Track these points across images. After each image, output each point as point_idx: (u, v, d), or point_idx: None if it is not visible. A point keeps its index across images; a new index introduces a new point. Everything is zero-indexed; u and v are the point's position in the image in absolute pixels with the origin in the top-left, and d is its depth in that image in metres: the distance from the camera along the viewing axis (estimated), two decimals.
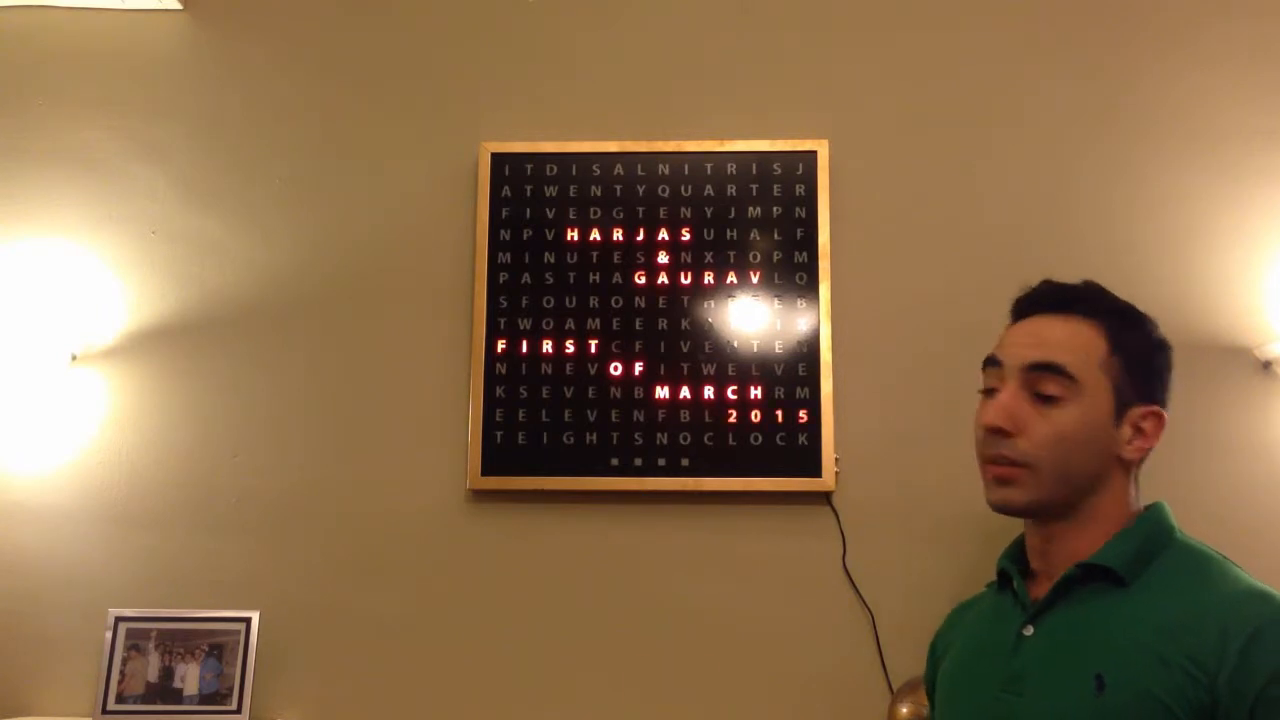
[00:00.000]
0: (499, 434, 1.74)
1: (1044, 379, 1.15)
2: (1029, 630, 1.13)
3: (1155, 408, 1.15)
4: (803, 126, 1.82)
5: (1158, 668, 1.02)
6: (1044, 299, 1.21)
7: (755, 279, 1.77)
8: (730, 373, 1.74)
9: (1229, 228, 1.76)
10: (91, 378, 1.80)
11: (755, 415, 1.72)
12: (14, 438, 1.79)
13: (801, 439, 1.71)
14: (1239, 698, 0.98)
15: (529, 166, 1.81)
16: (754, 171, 1.80)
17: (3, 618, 1.74)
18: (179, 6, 1.90)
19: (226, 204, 1.85)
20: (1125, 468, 1.16)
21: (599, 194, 1.80)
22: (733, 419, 1.72)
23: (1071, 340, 1.16)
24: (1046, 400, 1.14)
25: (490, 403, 1.74)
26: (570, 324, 1.77)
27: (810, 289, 1.76)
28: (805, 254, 1.77)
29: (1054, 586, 1.13)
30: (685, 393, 1.74)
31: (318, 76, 1.90)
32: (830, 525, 1.71)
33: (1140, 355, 1.17)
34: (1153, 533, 1.14)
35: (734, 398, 1.73)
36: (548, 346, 1.76)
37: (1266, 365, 1.70)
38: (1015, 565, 1.21)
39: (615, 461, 1.72)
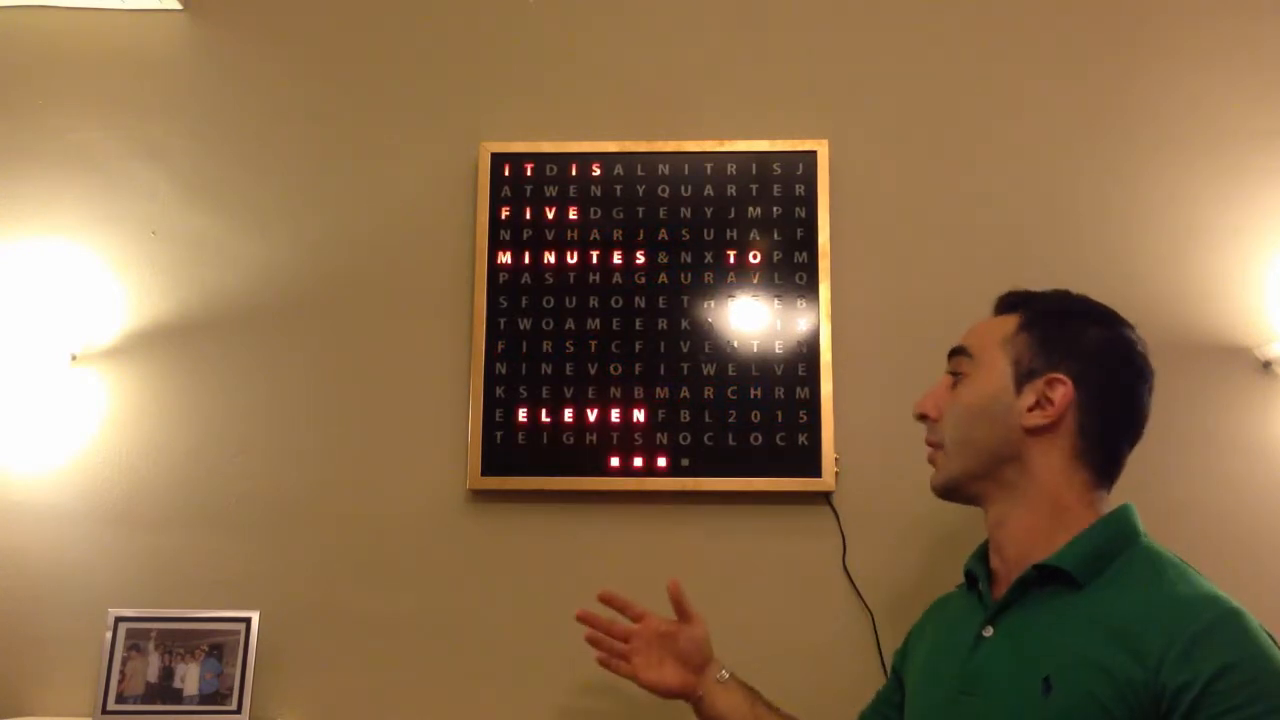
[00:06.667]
0: (499, 434, 1.74)
1: (953, 361, 1.26)
2: (989, 631, 1.15)
3: (1058, 374, 1.17)
4: (803, 126, 1.82)
5: (1101, 671, 1.02)
6: (996, 304, 1.30)
7: (755, 279, 1.77)
8: (730, 373, 1.74)
9: (1229, 228, 1.76)
10: (91, 378, 1.80)
11: (755, 415, 1.72)
12: (14, 438, 1.78)
13: (801, 439, 1.71)
14: (1181, 690, 0.98)
15: (529, 166, 1.81)
16: (754, 171, 1.80)
17: (3, 618, 1.74)
18: (179, 6, 1.90)
19: (227, 204, 1.85)
20: (1048, 444, 1.17)
21: (599, 194, 1.80)
22: (733, 419, 1.72)
23: (987, 327, 1.25)
24: (956, 380, 1.24)
25: (490, 403, 1.74)
26: (570, 324, 1.77)
27: (810, 289, 1.76)
28: (805, 254, 1.77)
29: (1011, 588, 1.14)
30: (685, 393, 1.74)
31: (318, 76, 1.90)
32: (830, 525, 1.71)
33: (1047, 326, 1.20)
34: (1114, 535, 1.14)
35: (734, 398, 1.73)
36: (548, 346, 1.76)
37: (1266, 365, 1.70)
38: (981, 566, 1.24)
39: (615, 461, 1.72)
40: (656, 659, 1.41)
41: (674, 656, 1.41)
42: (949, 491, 1.25)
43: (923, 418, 1.28)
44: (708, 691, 1.40)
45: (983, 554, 1.26)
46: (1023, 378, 1.18)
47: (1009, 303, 1.27)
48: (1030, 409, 1.17)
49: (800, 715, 1.45)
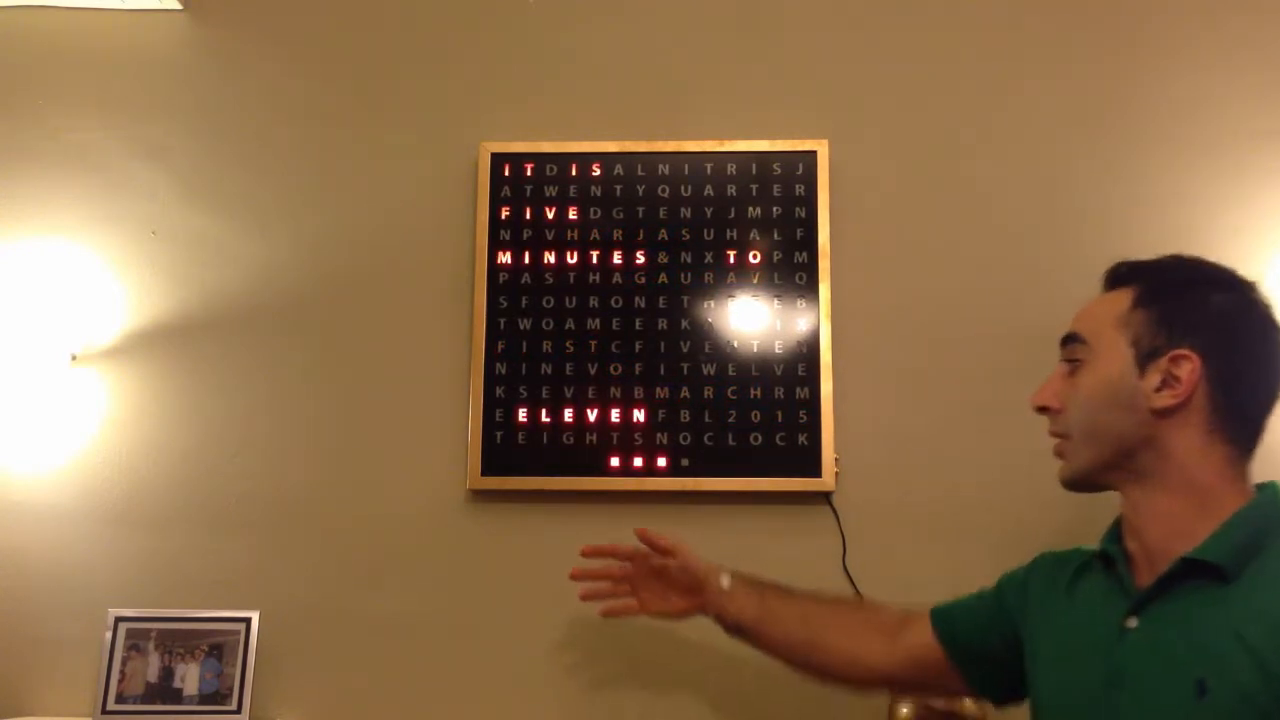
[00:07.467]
0: (499, 434, 1.74)
1: (1068, 349, 1.19)
2: (1133, 622, 1.09)
3: (1182, 350, 1.09)
4: (803, 126, 1.82)
5: (1257, 672, 0.98)
6: (1105, 278, 1.21)
7: (755, 279, 1.77)
8: (730, 373, 1.74)
9: (1228, 228, 1.75)
10: (91, 378, 1.80)
11: (755, 415, 1.72)
12: (14, 438, 1.79)
13: (801, 439, 1.71)
14: None
15: (529, 166, 1.81)
16: (754, 171, 1.80)
17: (3, 618, 1.74)
18: (179, 6, 1.90)
19: (227, 204, 1.85)
20: (1181, 423, 1.10)
21: (599, 194, 1.80)
22: (733, 419, 1.72)
23: (1098, 307, 1.18)
24: (1073, 368, 1.18)
25: (490, 403, 1.74)
26: (570, 324, 1.77)
27: (810, 289, 1.76)
28: (805, 254, 1.77)
29: (1157, 580, 1.08)
30: (685, 393, 1.74)
31: (318, 76, 1.90)
32: (830, 525, 1.71)
33: (1164, 299, 1.13)
34: (1263, 521, 1.07)
35: (734, 398, 1.73)
36: (548, 346, 1.76)
37: None
38: (1117, 547, 1.16)
39: (615, 461, 1.72)
40: (660, 591, 1.46)
41: (674, 586, 1.45)
42: (1079, 484, 1.18)
43: (1043, 410, 1.20)
44: (717, 606, 1.42)
45: (1117, 534, 1.18)
46: (1145, 357, 1.11)
47: (1119, 277, 1.19)
48: (1157, 389, 1.10)
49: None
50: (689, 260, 1.78)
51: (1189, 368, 1.09)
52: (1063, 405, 1.18)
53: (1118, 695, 1.07)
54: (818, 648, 1.38)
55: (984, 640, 1.28)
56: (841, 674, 1.38)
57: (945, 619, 1.31)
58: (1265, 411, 1.13)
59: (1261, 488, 1.11)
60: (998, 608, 1.29)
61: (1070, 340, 1.19)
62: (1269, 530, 1.06)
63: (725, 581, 1.42)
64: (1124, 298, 1.15)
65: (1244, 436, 1.11)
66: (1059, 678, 1.17)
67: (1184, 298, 1.13)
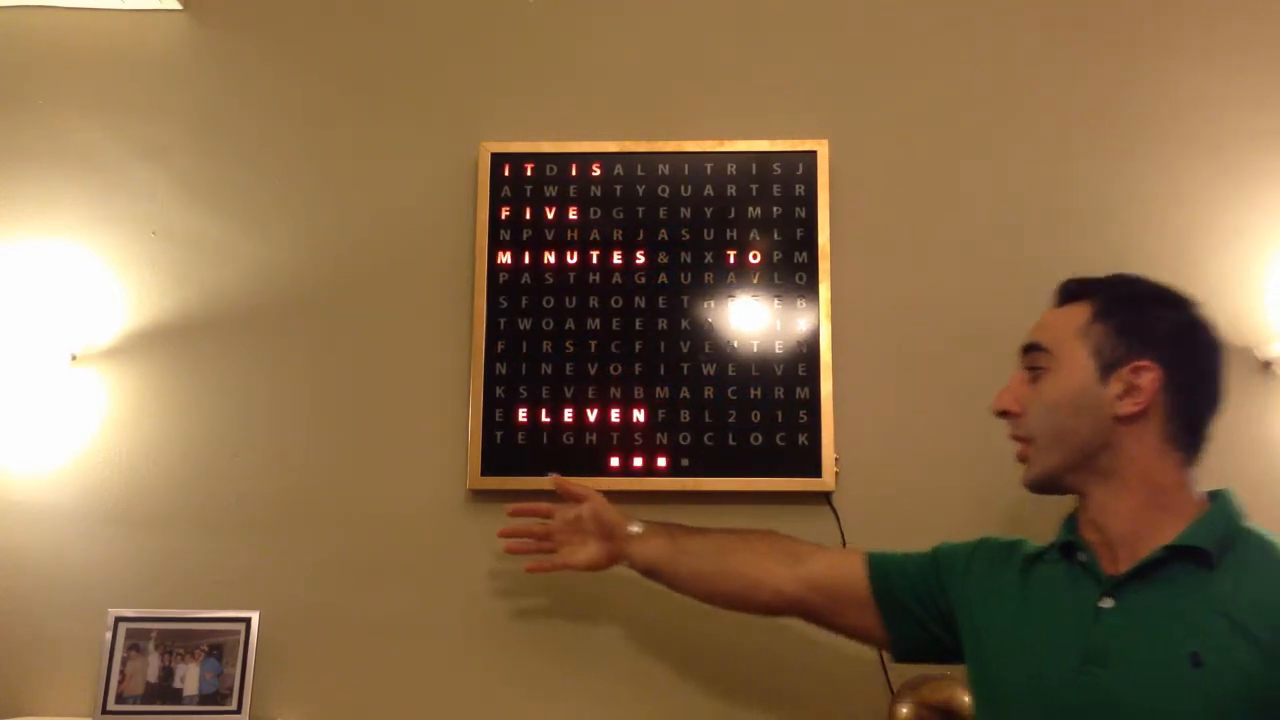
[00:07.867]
0: (499, 434, 1.74)
1: (1029, 357, 1.26)
2: (1107, 603, 1.15)
3: (1143, 361, 1.18)
4: (803, 126, 1.82)
5: (1251, 646, 1.06)
6: (1058, 293, 1.29)
7: (755, 279, 1.77)
8: (730, 373, 1.74)
9: (1229, 229, 1.76)
10: (91, 378, 1.80)
11: (755, 415, 1.72)
12: (14, 438, 1.79)
13: (801, 439, 1.71)
14: None
15: (529, 166, 1.81)
16: (754, 171, 1.80)
17: (3, 618, 1.74)
18: (179, 6, 1.90)
19: (226, 204, 1.85)
20: (1140, 430, 1.18)
21: (599, 194, 1.80)
22: (733, 419, 1.72)
23: (1057, 319, 1.25)
24: (1035, 375, 1.24)
25: (490, 403, 1.74)
26: (570, 324, 1.77)
27: (810, 289, 1.76)
28: (805, 254, 1.77)
29: (1139, 565, 1.15)
30: (685, 393, 1.74)
31: (318, 76, 1.90)
32: (830, 525, 1.71)
33: (1121, 313, 1.21)
34: (1232, 517, 1.18)
35: (734, 398, 1.73)
36: (548, 346, 1.76)
37: (1266, 365, 1.70)
38: (1079, 537, 1.23)
39: (615, 461, 1.72)
40: (579, 542, 1.54)
41: (590, 535, 1.54)
42: (1044, 486, 1.25)
43: (1004, 414, 1.28)
44: (629, 552, 1.51)
45: (1074, 526, 1.24)
46: (1107, 367, 1.19)
47: (1072, 292, 1.27)
48: (1119, 397, 1.18)
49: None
50: (689, 260, 1.78)
51: (1149, 378, 1.18)
52: (1023, 410, 1.25)
53: (1101, 672, 1.11)
54: (723, 575, 1.45)
55: (915, 598, 1.34)
56: (746, 598, 1.45)
57: (881, 567, 1.37)
58: (1211, 420, 1.22)
59: (1216, 493, 1.20)
60: (934, 575, 1.35)
61: (1032, 349, 1.26)
62: (1235, 526, 1.17)
63: (636, 527, 1.51)
64: (1082, 311, 1.23)
65: (1194, 443, 1.20)
66: (1023, 660, 1.20)
67: (1141, 313, 1.21)
